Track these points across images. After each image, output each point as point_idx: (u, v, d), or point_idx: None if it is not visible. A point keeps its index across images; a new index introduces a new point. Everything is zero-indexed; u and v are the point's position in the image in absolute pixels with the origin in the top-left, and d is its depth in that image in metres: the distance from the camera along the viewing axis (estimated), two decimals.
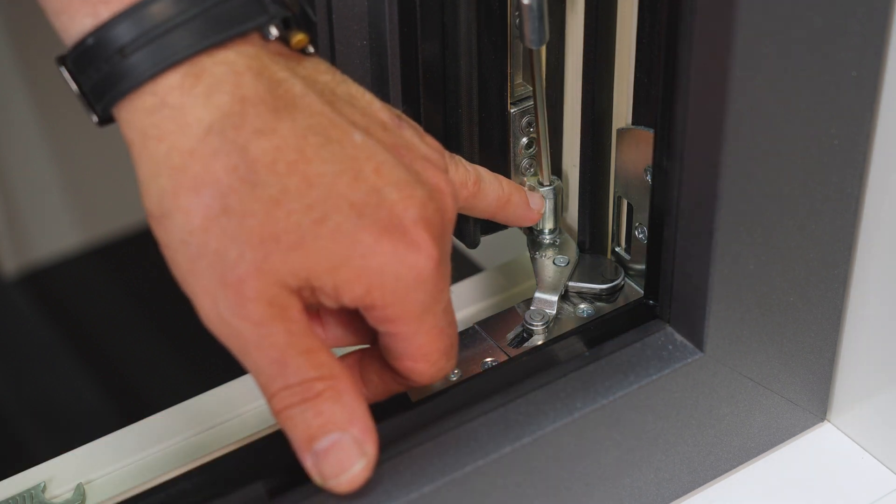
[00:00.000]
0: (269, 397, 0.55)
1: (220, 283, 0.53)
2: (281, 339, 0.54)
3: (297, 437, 0.55)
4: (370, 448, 0.56)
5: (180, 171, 0.53)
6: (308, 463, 0.56)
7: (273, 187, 0.53)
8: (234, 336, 0.54)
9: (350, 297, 0.55)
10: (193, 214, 0.53)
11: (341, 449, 0.55)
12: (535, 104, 0.68)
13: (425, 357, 0.58)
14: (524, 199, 0.69)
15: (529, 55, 0.67)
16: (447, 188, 0.58)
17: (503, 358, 0.68)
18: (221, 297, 0.54)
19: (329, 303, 0.55)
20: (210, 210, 0.53)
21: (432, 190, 0.57)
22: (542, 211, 0.71)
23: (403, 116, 0.59)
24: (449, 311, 0.58)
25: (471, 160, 0.68)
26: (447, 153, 0.63)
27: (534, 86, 0.67)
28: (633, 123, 0.67)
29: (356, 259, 0.54)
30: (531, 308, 0.70)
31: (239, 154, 0.53)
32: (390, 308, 0.56)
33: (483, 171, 0.67)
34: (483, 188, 0.66)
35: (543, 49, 0.67)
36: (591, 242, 0.73)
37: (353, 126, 0.56)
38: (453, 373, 0.67)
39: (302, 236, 0.53)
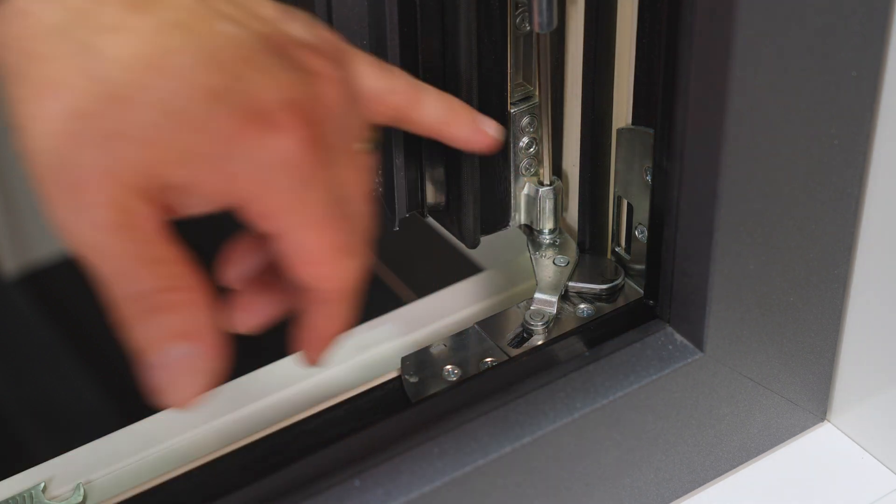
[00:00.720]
0: (115, 305, 0.53)
1: (70, 189, 0.52)
2: (129, 247, 0.52)
3: (138, 348, 0.53)
4: (211, 365, 0.53)
5: (32, 78, 0.52)
6: (148, 375, 0.53)
7: (124, 84, 0.51)
8: (83, 244, 0.52)
9: (213, 192, 0.52)
10: (45, 121, 0.51)
11: (181, 363, 0.53)
12: (539, 97, 0.68)
13: (323, 257, 0.54)
14: (473, 119, 0.66)
15: (532, 45, 0.67)
16: (333, 74, 0.55)
17: (503, 358, 0.68)
18: (71, 205, 0.52)
19: (197, 203, 0.53)
20: (61, 115, 0.51)
21: (308, 74, 0.54)
22: (499, 137, 0.67)
23: (297, 13, 0.56)
24: (344, 201, 0.55)
25: (471, 160, 0.68)
26: (382, 64, 0.61)
27: (538, 78, 0.67)
28: (633, 123, 0.67)
29: (210, 147, 0.52)
30: (531, 308, 0.70)
31: (89, 54, 0.51)
32: (261, 201, 0.53)
33: (426, 85, 0.64)
34: (422, 99, 0.63)
35: (548, 37, 0.66)
36: (591, 242, 0.73)
37: (223, 18, 0.53)
38: (453, 372, 0.67)
39: (152, 132, 0.51)
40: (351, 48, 0.60)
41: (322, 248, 0.54)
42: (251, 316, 0.60)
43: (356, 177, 0.56)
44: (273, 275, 0.59)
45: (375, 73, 0.61)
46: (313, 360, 0.59)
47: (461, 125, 0.65)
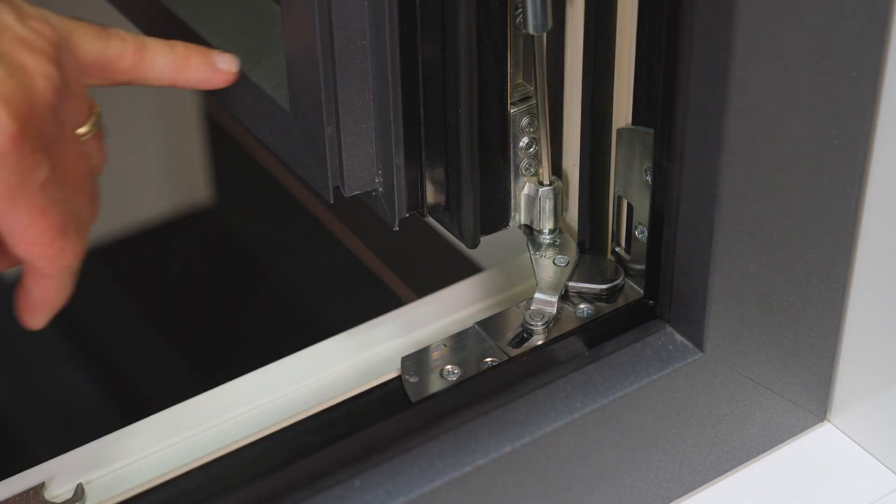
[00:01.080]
0: None
1: None
2: None
3: None
4: None
5: None
6: None
7: None
8: None
9: None
10: None
11: None
12: (536, 98, 0.68)
13: (37, 239, 0.57)
14: (206, 60, 0.66)
15: (531, 45, 0.67)
16: (40, 69, 0.57)
17: (503, 358, 0.68)
18: None
19: None
20: None
21: (16, 69, 0.56)
22: (235, 69, 0.67)
23: (13, 1, 0.58)
24: (53, 188, 0.57)
25: (471, 160, 0.68)
26: (104, 31, 0.62)
27: (535, 78, 0.67)
28: (633, 123, 0.67)
29: None
30: (531, 308, 0.70)
31: None
32: None
33: (152, 39, 0.65)
34: (148, 56, 0.64)
35: (545, 39, 0.66)
36: (591, 242, 0.73)
37: None
38: (453, 372, 0.67)
39: None
40: (68, 24, 0.61)
41: (35, 231, 0.56)
42: None
43: (75, 162, 0.58)
44: None
45: (98, 44, 0.62)
46: (30, 324, 0.61)
47: (194, 69, 0.66)
